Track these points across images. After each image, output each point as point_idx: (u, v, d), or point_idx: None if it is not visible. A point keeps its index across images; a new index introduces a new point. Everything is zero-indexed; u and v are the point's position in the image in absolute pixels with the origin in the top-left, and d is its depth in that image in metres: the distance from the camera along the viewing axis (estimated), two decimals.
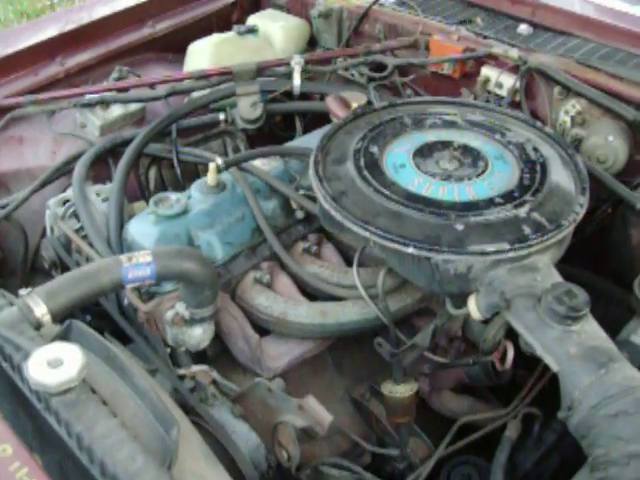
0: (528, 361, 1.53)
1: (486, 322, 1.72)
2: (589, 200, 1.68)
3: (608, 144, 2.05)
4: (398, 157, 1.74)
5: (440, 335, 1.86)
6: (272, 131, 2.64)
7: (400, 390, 1.80)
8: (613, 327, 1.76)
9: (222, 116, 2.38)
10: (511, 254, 1.48)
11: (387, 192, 1.61)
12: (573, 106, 2.15)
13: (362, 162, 1.70)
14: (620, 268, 2.10)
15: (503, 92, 2.29)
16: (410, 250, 1.48)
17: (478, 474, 1.94)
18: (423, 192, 1.62)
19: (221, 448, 1.61)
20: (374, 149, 1.75)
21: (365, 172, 1.67)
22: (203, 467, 1.30)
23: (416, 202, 1.58)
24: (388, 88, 2.58)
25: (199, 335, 1.69)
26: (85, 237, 1.90)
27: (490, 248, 1.48)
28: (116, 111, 2.37)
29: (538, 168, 1.72)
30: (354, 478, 1.78)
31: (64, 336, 1.36)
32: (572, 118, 2.16)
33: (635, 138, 2.10)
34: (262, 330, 1.85)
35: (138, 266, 1.47)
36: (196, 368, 1.71)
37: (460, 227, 1.52)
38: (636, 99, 2.09)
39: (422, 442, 1.94)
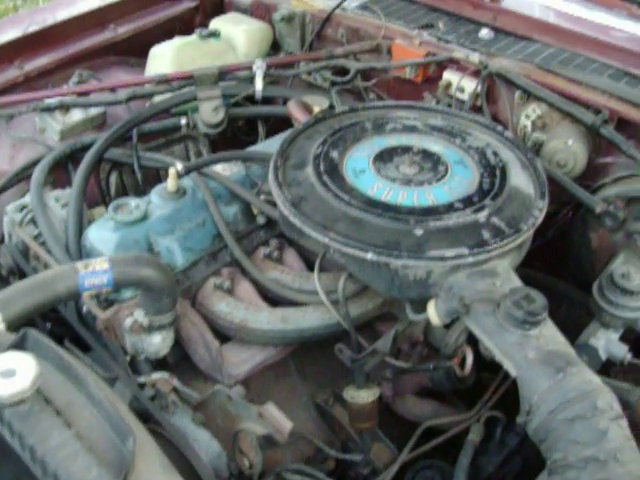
0: (493, 363, 1.53)
1: (448, 327, 1.73)
2: (550, 204, 1.69)
3: (568, 148, 2.06)
4: (358, 162, 1.73)
5: (402, 340, 1.87)
6: (235, 135, 2.63)
7: (362, 395, 1.80)
8: (575, 330, 1.78)
9: (184, 120, 2.36)
10: (470, 259, 1.49)
11: (347, 197, 1.60)
12: (533, 110, 2.16)
13: (322, 167, 1.70)
14: (580, 271, 2.11)
15: (465, 96, 2.30)
16: (369, 256, 1.48)
17: (442, 478, 1.94)
18: (383, 197, 1.61)
19: (182, 456, 1.59)
20: (334, 154, 1.75)
21: (325, 177, 1.66)
22: (160, 478, 1.28)
23: (376, 207, 1.58)
24: (351, 92, 2.58)
25: (158, 343, 1.68)
26: (43, 243, 1.87)
27: (449, 253, 1.48)
28: (76, 115, 2.33)
29: (498, 172, 1.72)
30: None
31: (19, 345, 1.33)
32: (533, 122, 2.17)
33: (594, 142, 2.12)
34: (223, 337, 1.83)
35: (95, 273, 1.45)
36: (156, 376, 1.69)
37: (419, 232, 1.52)
38: (594, 103, 2.10)
39: (386, 447, 1.94)
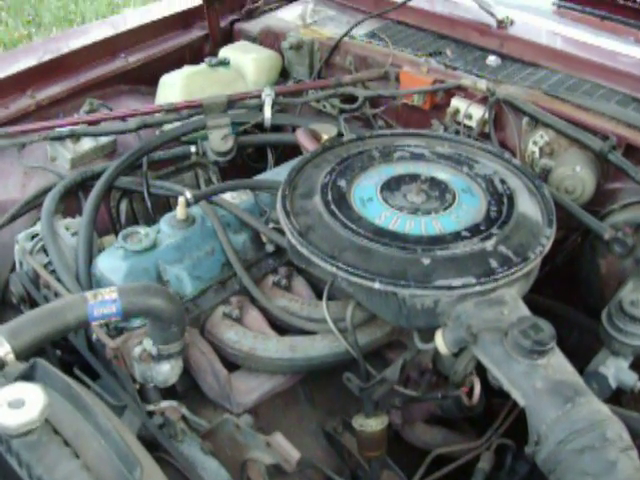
0: (503, 390, 1.53)
1: (456, 355, 1.72)
2: (558, 230, 1.69)
3: (576, 174, 2.07)
4: (366, 191, 1.74)
5: (411, 368, 1.86)
6: (245, 163, 2.64)
7: (371, 424, 1.79)
8: (587, 357, 1.77)
9: (193, 149, 2.38)
10: (478, 288, 1.49)
11: (354, 227, 1.61)
12: (541, 137, 2.17)
13: (329, 196, 1.70)
14: (590, 298, 2.11)
15: (472, 123, 2.31)
16: (376, 285, 1.48)
17: None
18: (390, 226, 1.62)
19: None
20: (342, 183, 1.75)
21: (332, 206, 1.67)
22: None
23: (383, 236, 1.58)
24: (360, 119, 2.60)
25: (167, 371, 1.67)
26: (54, 272, 1.88)
27: (456, 282, 1.48)
28: (87, 144, 2.35)
29: (505, 200, 1.73)
30: None
31: (28, 375, 1.34)
32: (540, 149, 2.18)
33: (602, 168, 2.12)
34: (232, 365, 1.84)
35: (103, 303, 1.46)
36: (165, 404, 1.69)
37: (427, 261, 1.52)
38: (602, 130, 2.11)
39: (395, 475, 1.93)
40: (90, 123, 2.37)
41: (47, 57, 2.63)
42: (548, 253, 1.63)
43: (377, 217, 1.65)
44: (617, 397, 1.78)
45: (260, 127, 2.45)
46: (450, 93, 2.39)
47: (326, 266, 1.54)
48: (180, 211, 1.88)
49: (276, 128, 2.49)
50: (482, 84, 2.30)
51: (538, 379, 1.35)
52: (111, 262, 1.81)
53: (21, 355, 1.36)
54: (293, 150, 2.28)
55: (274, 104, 2.41)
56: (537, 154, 2.19)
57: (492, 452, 1.85)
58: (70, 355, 1.89)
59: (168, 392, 1.77)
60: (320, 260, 1.55)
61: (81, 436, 1.28)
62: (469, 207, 1.70)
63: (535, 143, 2.18)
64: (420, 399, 1.83)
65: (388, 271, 1.51)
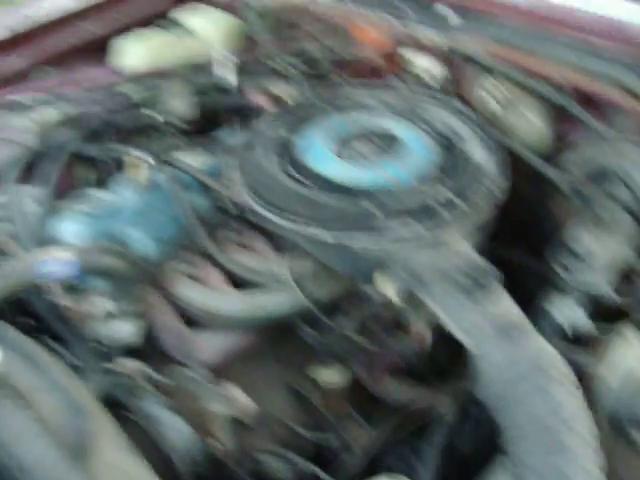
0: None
1: (413, 303, 1.74)
2: (511, 177, 1.70)
3: (528, 122, 2.07)
4: (316, 143, 1.75)
5: (369, 318, 1.88)
6: (207, 126, 2.63)
7: (334, 378, 1.81)
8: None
9: (155, 114, 2.37)
10: (428, 237, 1.51)
11: (304, 180, 1.62)
12: (495, 86, 2.17)
13: (279, 150, 1.72)
14: (542, 244, 2.11)
15: (426, 74, 2.30)
16: (328, 239, 1.50)
17: (418, 458, 1.94)
18: (340, 178, 1.63)
19: (154, 443, 1.61)
20: (292, 137, 1.77)
21: (282, 160, 1.68)
22: (120, 458, 1.30)
23: (333, 189, 1.60)
24: (318, 78, 2.59)
25: (126, 330, 1.69)
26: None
27: (407, 233, 1.50)
28: (49, 114, 2.34)
29: (456, 149, 1.74)
30: (292, 467, 1.79)
31: None
32: (494, 97, 2.18)
33: (555, 115, 2.12)
34: (193, 324, 1.85)
35: (59, 262, 1.48)
36: (127, 363, 1.70)
37: (376, 212, 1.54)
38: (556, 77, 2.11)
39: (362, 429, 1.95)
40: (52, 93, 2.36)
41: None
42: (501, 200, 1.64)
43: (327, 169, 1.66)
44: (566, 337, 1.79)
45: (222, 90, 2.45)
46: (404, 46, 2.39)
47: (277, 220, 1.56)
48: (141, 174, 1.89)
49: (238, 91, 2.49)
50: (435, 35, 2.30)
51: (484, 321, 1.37)
52: (71, 227, 1.82)
53: None
54: (255, 112, 2.28)
55: (236, 67, 2.40)
56: (490, 103, 2.18)
57: (457, 404, 1.86)
58: (31, 318, 1.89)
59: (129, 351, 1.78)
60: (271, 215, 1.56)
61: (35, 391, 1.30)
62: (419, 156, 1.71)
63: (488, 92, 2.18)
64: (377, 350, 1.85)
65: (339, 224, 1.53)
